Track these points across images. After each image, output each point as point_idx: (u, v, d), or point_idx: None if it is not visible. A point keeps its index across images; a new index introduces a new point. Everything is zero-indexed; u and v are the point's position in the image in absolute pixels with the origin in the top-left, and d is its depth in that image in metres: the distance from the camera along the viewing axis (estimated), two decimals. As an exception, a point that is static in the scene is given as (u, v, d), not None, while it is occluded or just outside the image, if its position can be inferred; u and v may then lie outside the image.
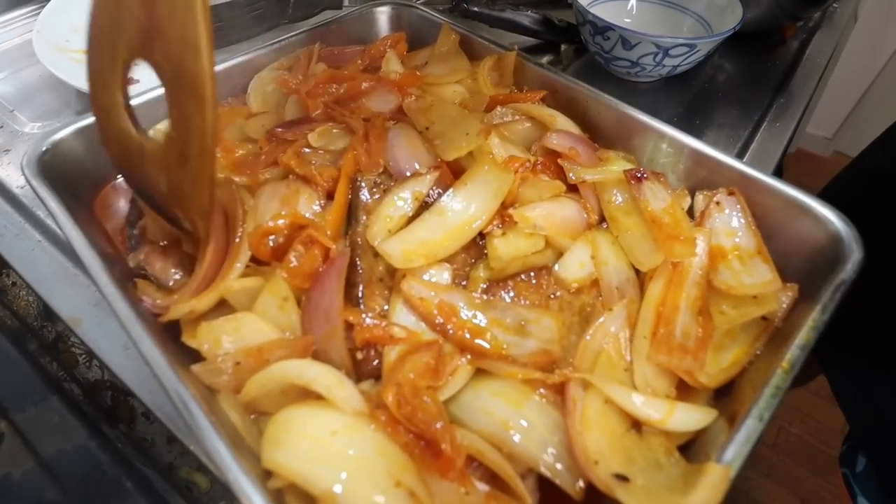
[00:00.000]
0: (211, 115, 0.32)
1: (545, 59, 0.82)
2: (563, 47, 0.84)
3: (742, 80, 0.80)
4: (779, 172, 0.70)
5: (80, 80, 0.66)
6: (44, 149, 0.47)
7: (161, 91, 0.34)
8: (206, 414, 0.32)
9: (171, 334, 0.40)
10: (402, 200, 0.42)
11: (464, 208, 0.42)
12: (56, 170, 0.47)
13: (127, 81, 0.36)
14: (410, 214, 0.42)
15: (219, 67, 0.57)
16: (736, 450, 0.32)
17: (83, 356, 0.55)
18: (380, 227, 0.42)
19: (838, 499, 1.46)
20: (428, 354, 0.36)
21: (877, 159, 0.77)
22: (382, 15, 0.67)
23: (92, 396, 0.58)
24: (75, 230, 0.42)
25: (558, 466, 0.33)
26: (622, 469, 0.32)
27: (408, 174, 0.45)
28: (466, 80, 0.61)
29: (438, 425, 0.32)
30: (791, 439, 1.62)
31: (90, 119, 0.49)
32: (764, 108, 0.76)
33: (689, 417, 0.35)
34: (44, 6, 0.74)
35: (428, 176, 0.43)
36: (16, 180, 0.60)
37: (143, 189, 0.40)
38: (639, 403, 0.35)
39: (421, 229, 0.41)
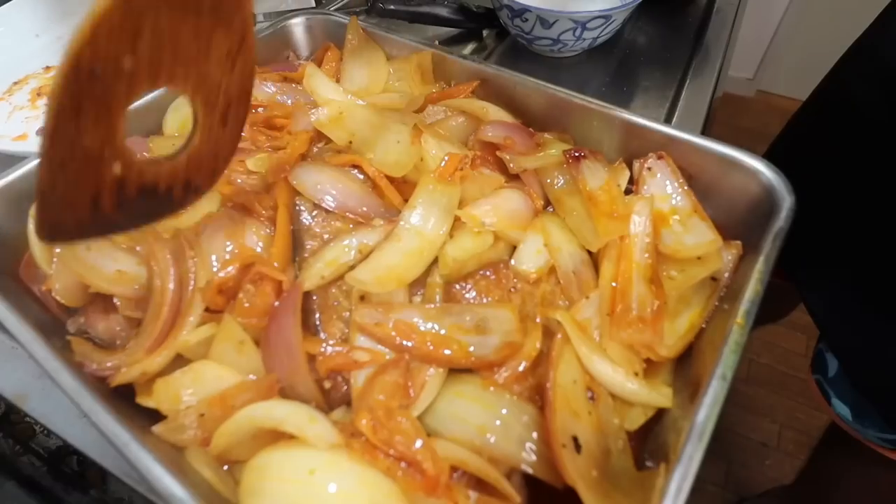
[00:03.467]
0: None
1: (469, 47, 0.82)
2: (485, 32, 0.84)
3: (661, 42, 0.82)
4: (708, 122, 0.73)
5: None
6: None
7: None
8: (174, 476, 0.31)
9: (124, 395, 0.38)
10: (347, 248, 0.42)
11: (419, 232, 0.42)
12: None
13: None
14: (351, 264, 0.41)
15: (140, 102, 0.54)
16: (706, 412, 0.33)
17: (40, 426, 0.52)
18: (315, 272, 0.40)
19: (814, 417, 1.55)
20: (396, 373, 0.35)
21: (809, 118, 0.81)
22: (297, 27, 0.65)
23: (55, 465, 0.55)
24: (4, 306, 0.39)
25: (538, 461, 0.33)
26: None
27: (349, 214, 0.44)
28: (394, 84, 0.60)
29: (417, 445, 0.31)
30: (762, 370, 1.70)
31: (10, 177, 0.46)
32: (684, 65, 0.78)
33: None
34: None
35: (379, 229, 0.43)
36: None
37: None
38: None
39: (385, 257, 0.41)
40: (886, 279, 0.63)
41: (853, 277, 0.67)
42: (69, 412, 0.44)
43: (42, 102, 0.69)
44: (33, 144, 0.63)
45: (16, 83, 0.72)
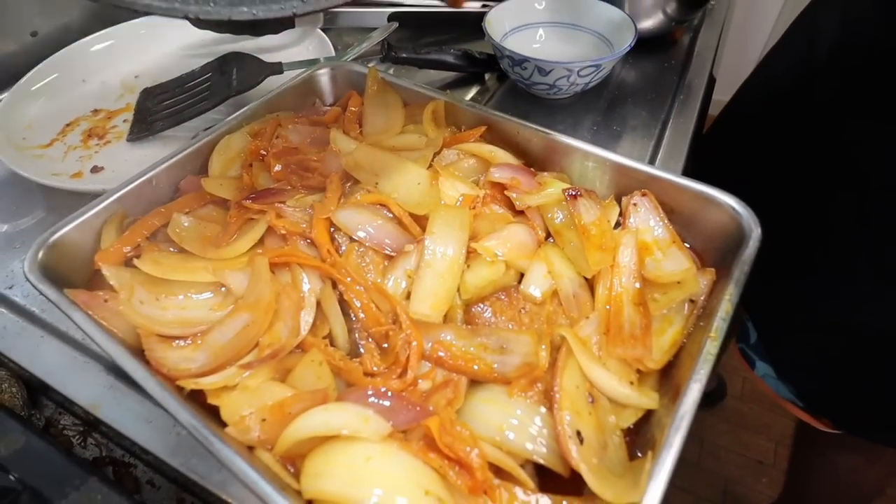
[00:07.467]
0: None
1: (473, 89, 0.91)
2: (487, 76, 0.92)
3: (646, 83, 0.91)
4: (693, 154, 0.81)
5: (44, 176, 0.67)
6: (44, 249, 0.49)
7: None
8: (250, 463, 0.38)
9: (194, 397, 0.44)
10: (398, 280, 0.50)
11: (444, 252, 0.50)
12: (55, 269, 0.49)
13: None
14: (407, 291, 0.49)
15: (187, 150, 0.61)
16: (684, 409, 0.40)
17: (77, 437, 0.56)
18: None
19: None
20: (449, 390, 0.43)
21: (744, 108, 0.90)
22: (323, 76, 0.73)
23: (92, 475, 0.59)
24: (98, 330, 0.45)
25: (547, 453, 0.41)
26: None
27: (389, 250, 0.52)
28: (409, 127, 0.68)
29: (474, 454, 0.38)
30: (756, 387, 1.74)
31: (87, 214, 0.53)
32: (668, 105, 0.86)
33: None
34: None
35: (413, 255, 0.50)
36: (2, 282, 0.64)
37: None
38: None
39: (427, 284, 0.48)
40: (798, 249, 0.72)
41: (770, 249, 0.77)
42: (139, 418, 0.51)
43: (94, 142, 0.77)
44: (88, 182, 0.71)
45: (68, 125, 0.80)
